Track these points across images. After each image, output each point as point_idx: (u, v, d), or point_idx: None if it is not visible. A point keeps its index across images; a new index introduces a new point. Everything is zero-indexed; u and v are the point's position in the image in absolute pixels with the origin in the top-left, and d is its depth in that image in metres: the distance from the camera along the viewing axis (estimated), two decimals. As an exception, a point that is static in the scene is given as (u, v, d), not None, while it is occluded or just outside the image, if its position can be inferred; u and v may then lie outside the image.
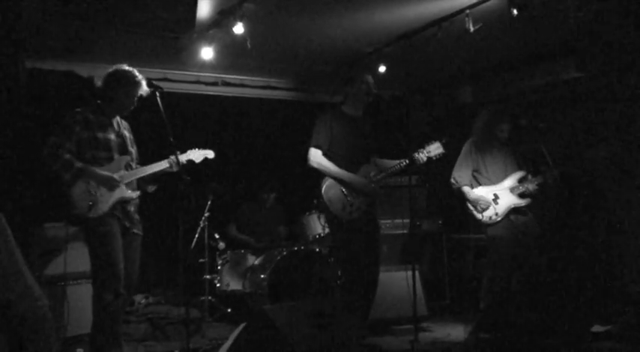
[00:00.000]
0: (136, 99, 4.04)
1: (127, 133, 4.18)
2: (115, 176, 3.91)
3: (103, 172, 3.88)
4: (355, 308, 4.38)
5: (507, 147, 4.97)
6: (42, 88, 5.92)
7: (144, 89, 4.03)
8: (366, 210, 4.52)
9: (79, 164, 3.81)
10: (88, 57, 5.95)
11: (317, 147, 4.54)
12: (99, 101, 4.04)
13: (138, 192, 4.09)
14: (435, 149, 4.55)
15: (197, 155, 4.36)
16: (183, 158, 4.24)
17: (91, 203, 3.81)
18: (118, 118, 4.13)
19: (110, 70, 4.03)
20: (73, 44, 5.57)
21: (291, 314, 3.68)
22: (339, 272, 5.23)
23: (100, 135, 3.95)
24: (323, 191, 4.47)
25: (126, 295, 3.96)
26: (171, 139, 3.93)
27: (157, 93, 3.99)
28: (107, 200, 3.88)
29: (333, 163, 4.49)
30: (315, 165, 4.52)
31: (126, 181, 3.98)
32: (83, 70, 6.17)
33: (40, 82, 5.92)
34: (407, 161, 4.51)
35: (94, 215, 3.81)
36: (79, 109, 3.95)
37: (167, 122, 3.88)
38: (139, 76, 4.02)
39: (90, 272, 3.96)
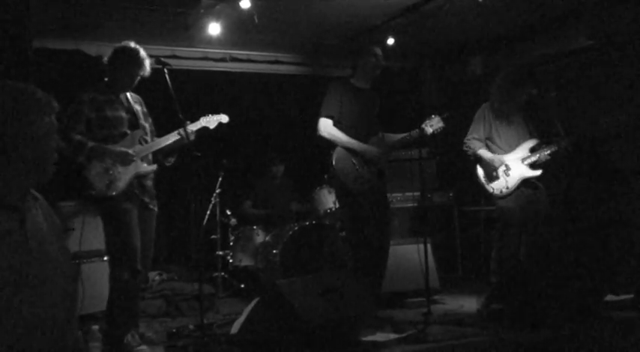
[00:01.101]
0: (138, 77, 3.98)
1: (138, 107, 4.11)
2: (130, 151, 3.86)
3: (117, 148, 3.84)
4: (367, 281, 4.40)
5: (523, 114, 4.82)
6: (49, 67, 5.90)
7: (147, 68, 3.98)
8: (377, 182, 4.51)
9: (90, 143, 3.76)
10: (95, 35, 5.92)
11: (328, 116, 4.52)
12: (105, 79, 4.00)
13: (154, 166, 4.04)
14: (435, 123, 4.55)
15: (211, 121, 4.26)
16: (196, 126, 4.17)
17: (108, 181, 3.78)
18: (127, 94, 4.07)
19: (117, 46, 3.97)
20: (81, 22, 5.55)
21: (304, 289, 3.70)
22: (351, 246, 5.24)
23: (110, 113, 3.90)
24: (334, 162, 4.46)
25: (143, 272, 3.97)
26: (180, 115, 3.87)
27: (165, 70, 3.92)
28: (124, 176, 3.84)
29: (343, 133, 4.47)
30: (325, 134, 4.49)
31: (141, 155, 3.94)
32: (91, 49, 6.14)
33: (48, 61, 5.89)
34: (417, 132, 4.49)
35: (113, 193, 3.78)
36: (85, 90, 3.91)
37: (175, 98, 3.83)
38: (143, 55, 3.96)
39: (105, 251, 3.96)
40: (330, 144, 4.51)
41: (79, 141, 3.75)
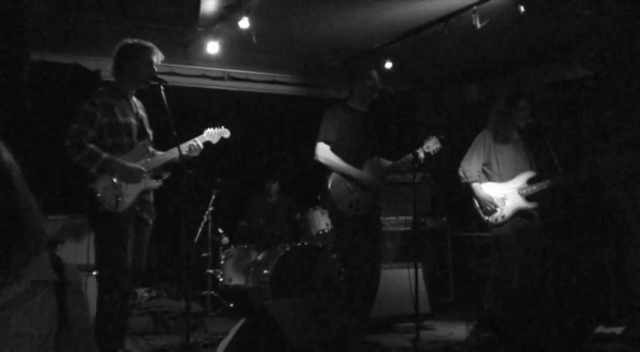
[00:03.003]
0: (154, 65, 3.89)
1: (143, 113, 4.03)
2: (143, 167, 3.77)
3: (131, 164, 3.73)
4: (357, 305, 4.38)
5: (522, 142, 4.80)
6: (49, 81, 5.91)
7: (160, 55, 3.92)
8: (372, 207, 4.51)
9: (105, 155, 3.64)
10: (94, 50, 5.94)
11: (326, 142, 4.52)
12: (114, 80, 3.91)
13: (160, 182, 3.96)
14: (432, 144, 4.54)
15: (214, 135, 4.22)
16: (203, 139, 4.12)
17: (116, 197, 3.64)
18: (134, 99, 3.99)
19: (119, 46, 3.90)
20: (80, 37, 5.57)
21: (292, 311, 3.67)
22: (342, 269, 5.21)
23: (122, 119, 3.78)
24: (330, 187, 4.46)
25: (132, 292, 3.92)
26: (175, 132, 3.80)
27: (162, 87, 3.87)
28: (133, 192, 3.75)
29: (340, 158, 4.47)
30: (322, 160, 4.49)
31: (149, 169, 3.85)
32: (90, 64, 6.16)
33: (47, 75, 5.90)
34: (411, 156, 4.49)
35: (121, 209, 3.66)
36: (98, 92, 3.80)
37: (171, 115, 3.78)
38: (149, 43, 3.92)
39: (94, 267, 3.87)
40: (326, 169, 4.51)
41: (93, 151, 3.62)
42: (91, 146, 3.65)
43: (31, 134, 5.72)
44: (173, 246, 6.11)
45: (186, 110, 6.48)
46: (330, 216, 4.69)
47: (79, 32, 5.41)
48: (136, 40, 3.92)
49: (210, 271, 5.99)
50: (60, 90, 5.89)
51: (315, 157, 4.53)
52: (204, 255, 6.00)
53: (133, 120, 3.88)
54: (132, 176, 3.74)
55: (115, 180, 3.68)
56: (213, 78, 6.83)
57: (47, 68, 5.90)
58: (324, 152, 4.50)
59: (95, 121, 3.70)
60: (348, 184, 4.45)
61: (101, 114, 3.72)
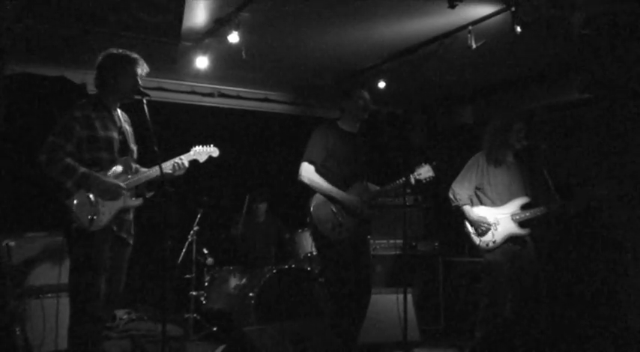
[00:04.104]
0: (138, 78, 3.70)
1: (128, 127, 3.86)
2: (122, 184, 3.60)
3: (110, 180, 3.56)
4: (343, 332, 4.19)
5: (517, 165, 4.70)
6: (32, 93, 5.78)
7: (145, 68, 3.75)
8: (356, 230, 4.33)
9: (82, 169, 3.46)
10: (80, 63, 5.81)
11: (310, 162, 4.37)
12: (92, 92, 3.80)
13: (140, 200, 3.78)
14: (425, 172, 4.38)
15: (202, 153, 4.04)
16: (189, 157, 3.95)
17: (92, 215, 3.46)
18: (119, 112, 3.82)
19: (101, 56, 3.74)
20: (66, 49, 5.44)
21: (273, 337, 3.51)
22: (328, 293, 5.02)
23: (102, 133, 3.61)
24: (312, 209, 4.29)
25: (105, 317, 3.71)
26: (156, 148, 3.57)
27: (144, 101, 3.67)
28: (110, 210, 3.56)
29: (324, 180, 4.31)
30: (306, 180, 4.34)
31: (129, 187, 3.67)
32: (76, 77, 6.03)
33: (31, 87, 5.78)
34: (403, 180, 4.34)
35: (95, 228, 3.48)
36: (79, 105, 3.62)
37: (153, 131, 3.57)
38: (134, 54, 3.75)
39: (68, 289, 3.67)
40: (310, 190, 4.35)
41: (70, 166, 3.45)
42: (68, 160, 3.47)
43: (13, 148, 5.59)
44: (155, 266, 5.91)
45: (175, 126, 6.37)
46: (314, 240, 4.50)
47: (66, 44, 5.28)
48: (120, 51, 3.76)
49: (194, 293, 5.79)
50: (44, 103, 5.76)
51: (298, 177, 4.37)
52: (187, 276, 5.80)
53: (115, 135, 3.71)
54: (109, 192, 3.56)
55: (91, 196, 3.50)
56: (203, 94, 6.71)
57: (31, 81, 5.77)
58: (308, 172, 4.34)
59: (73, 134, 3.53)
60: (332, 207, 4.29)
61: (80, 127, 3.54)
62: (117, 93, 3.73)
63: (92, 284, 3.49)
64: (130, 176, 3.73)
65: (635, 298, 5.05)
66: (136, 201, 3.76)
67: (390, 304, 4.96)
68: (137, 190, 3.81)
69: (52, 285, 4.77)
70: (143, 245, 5.69)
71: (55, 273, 4.79)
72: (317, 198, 4.31)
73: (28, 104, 5.73)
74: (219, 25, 4.84)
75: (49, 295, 4.72)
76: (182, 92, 6.59)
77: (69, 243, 3.61)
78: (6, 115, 5.28)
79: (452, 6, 4.20)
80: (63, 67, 5.93)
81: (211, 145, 4.13)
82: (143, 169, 3.86)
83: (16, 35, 4.72)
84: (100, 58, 3.75)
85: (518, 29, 4.48)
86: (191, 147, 4.05)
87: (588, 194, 4.46)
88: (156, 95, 6.27)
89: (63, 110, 3.71)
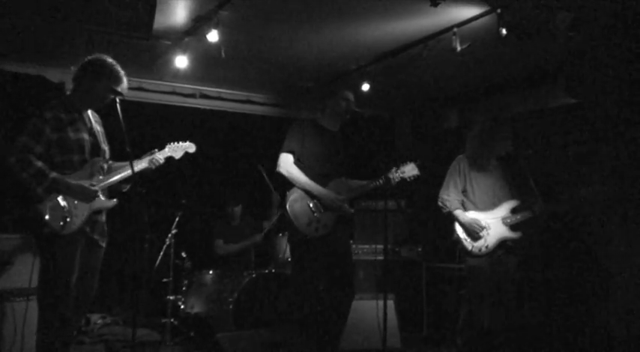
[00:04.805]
0: (111, 95, 3.61)
1: (99, 128, 3.79)
2: (94, 187, 3.52)
3: (80, 183, 3.48)
4: (320, 339, 4.06)
5: (501, 169, 4.61)
6: (11, 91, 5.65)
7: (124, 87, 3.65)
8: (334, 227, 4.21)
9: (52, 174, 3.39)
10: (59, 62, 5.69)
11: (289, 152, 4.25)
12: (68, 92, 3.67)
13: (113, 201, 3.70)
14: (409, 170, 4.30)
15: (177, 149, 4.00)
16: (164, 154, 3.90)
17: (63, 219, 3.40)
18: (89, 112, 3.74)
19: (90, 57, 3.65)
20: (43, 47, 5.33)
21: (248, 344, 3.40)
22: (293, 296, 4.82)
23: (72, 135, 3.54)
24: (288, 203, 4.15)
25: (75, 319, 3.60)
26: (128, 149, 3.48)
27: (117, 100, 3.57)
28: (82, 213, 3.49)
29: (303, 173, 4.21)
30: (284, 171, 4.22)
31: (101, 188, 3.59)
32: (54, 75, 5.91)
33: (9, 85, 5.67)
34: (382, 180, 4.25)
35: (67, 232, 3.41)
36: (49, 106, 3.54)
37: (125, 130, 3.46)
38: (122, 71, 3.65)
39: (36, 291, 3.56)
40: (287, 184, 4.24)
41: (40, 170, 3.38)
42: (39, 164, 3.40)
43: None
44: (131, 269, 5.79)
45: (155, 127, 6.25)
46: (288, 235, 4.36)
47: (43, 42, 5.17)
48: (109, 61, 3.67)
49: (171, 297, 5.65)
50: (20, 101, 5.63)
51: (277, 168, 4.24)
52: (165, 280, 5.67)
53: (86, 136, 3.63)
54: (82, 195, 3.48)
55: (63, 200, 3.42)
56: (185, 95, 6.60)
57: (6, 78, 5.65)
58: (286, 163, 4.22)
59: (43, 136, 3.45)
60: (309, 202, 4.17)
61: (50, 130, 3.47)
62: (88, 99, 3.66)
63: (61, 286, 3.41)
64: (101, 177, 3.65)
65: (617, 306, 4.99)
66: (109, 202, 3.69)
67: (370, 310, 4.85)
68: (111, 190, 3.74)
69: (23, 289, 4.62)
70: (118, 247, 5.61)
71: (26, 277, 4.65)
72: (294, 192, 4.18)
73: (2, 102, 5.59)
74: (198, 23, 4.74)
75: (19, 299, 4.58)
76: (163, 92, 6.48)
77: (39, 245, 3.53)
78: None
79: (434, 4, 4.11)
80: (42, 65, 5.82)
81: (187, 141, 4.07)
82: (117, 164, 3.80)
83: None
84: (87, 59, 3.67)
85: (504, 31, 4.40)
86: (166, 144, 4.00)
87: (573, 196, 4.40)
88: (136, 95, 6.20)
89: (38, 109, 3.64)
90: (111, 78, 3.62)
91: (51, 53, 5.46)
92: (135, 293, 4.57)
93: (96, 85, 3.61)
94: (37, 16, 4.37)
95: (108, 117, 3.84)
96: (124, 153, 3.62)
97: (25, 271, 4.64)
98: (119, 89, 3.62)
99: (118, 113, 3.52)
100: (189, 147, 4.08)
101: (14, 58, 5.66)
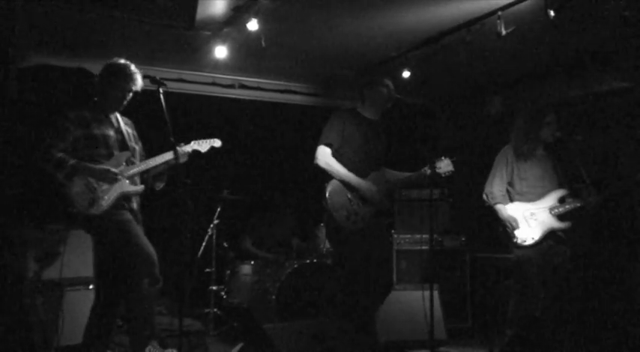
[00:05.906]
0: (130, 93, 3.86)
1: (129, 129, 4.02)
2: (112, 168, 3.71)
3: (98, 166, 3.69)
4: (360, 327, 4.01)
5: (549, 158, 4.51)
6: (51, 85, 5.71)
7: (138, 84, 3.86)
8: (372, 221, 4.16)
9: (72, 161, 3.63)
10: (101, 54, 5.70)
11: (327, 144, 4.22)
12: (95, 98, 3.90)
13: (141, 187, 3.88)
14: (445, 166, 4.25)
15: (202, 144, 4.13)
16: (188, 148, 4.04)
17: (90, 200, 3.63)
18: (117, 115, 3.97)
19: (106, 63, 3.89)
20: (85, 40, 5.37)
21: (292, 335, 3.38)
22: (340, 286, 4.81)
23: (97, 131, 3.78)
24: (327, 196, 4.12)
25: (161, 280, 3.80)
26: (172, 138, 3.68)
27: (160, 90, 3.71)
28: (108, 195, 3.68)
29: (341, 165, 4.15)
30: (322, 164, 4.18)
31: (127, 175, 3.79)
32: (96, 68, 5.91)
33: (50, 78, 5.71)
34: (427, 170, 4.18)
35: (97, 212, 3.62)
36: (72, 108, 3.79)
37: (169, 120, 3.63)
38: (134, 70, 3.85)
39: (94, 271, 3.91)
40: (326, 175, 4.19)
41: (60, 158, 3.61)
42: (59, 155, 3.62)
43: (24, 141, 5.53)
44: (175, 260, 5.82)
45: (195, 118, 6.26)
46: (327, 228, 4.33)
47: (84, 34, 5.20)
48: (122, 62, 3.89)
49: (214, 288, 5.69)
50: (62, 95, 5.69)
51: (314, 161, 4.22)
52: (207, 270, 5.70)
53: (112, 133, 3.86)
54: (102, 175, 3.67)
55: (87, 183, 3.65)
56: (224, 86, 6.57)
57: (50, 72, 5.70)
58: (324, 156, 4.18)
59: (67, 134, 3.70)
60: (348, 194, 4.12)
61: (74, 127, 3.72)
62: (109, 103, 3.89)
63: (140, 246, 3.68)
64: (128, 166, 3.85)
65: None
66: (136, 188, 3.86)
67: (415, 301, 4.80)
68: (146, 181, 3.97)
69: (70, 278, 4.72)
70: (161, 238, 5.65)
71: (73, 267, 4.74)
72: (333, 185, 4.15)
73: (46, 96, 5.65)
74: (238, 12, 4.70)
75: (71, 288, 4.68)
76: (202, 83, 6.47)
77: (84, 227, 3.78)
78: (22, 107, 5.23)
79: None
80: (84, 58, 5.85)
81: (213, 138, 4.21)
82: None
83: (30, 24, 4.67)
84: (102, 68, 3.92)
85: (552, 13, 4.24)
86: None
87: (624, 181, 4.26)
88: (176, 86, 6.21)
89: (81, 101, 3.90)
90: (126, 79, 3.83)
91: (91, 45, 5.49)
92: (181, 283, 4.63)
93: (113, 88, 3.84)
94: (77, 6, 4.40)
95: (152, 108, 3.87)
96: (168, 143, 3.72)
97: (75, 261, 4.76)
98: (134, 87, 3.86)
99: (161, 103, 3.68)
100: (215, 142, 4.20)
101: (56, 52, 5.71)
